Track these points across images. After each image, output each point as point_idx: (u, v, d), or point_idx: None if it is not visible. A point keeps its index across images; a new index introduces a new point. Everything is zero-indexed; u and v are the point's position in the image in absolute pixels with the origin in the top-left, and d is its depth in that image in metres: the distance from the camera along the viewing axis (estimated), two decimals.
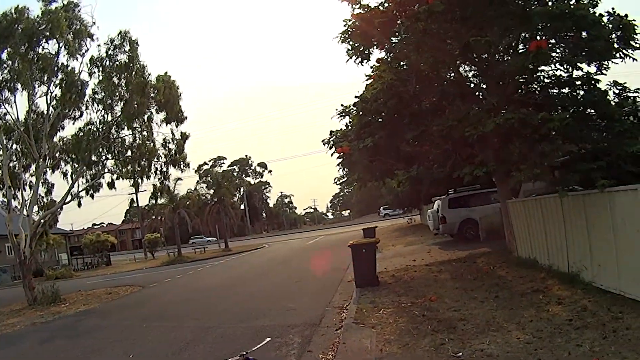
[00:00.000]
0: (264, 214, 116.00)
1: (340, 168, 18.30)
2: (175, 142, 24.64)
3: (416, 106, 14.56)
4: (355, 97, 15.95)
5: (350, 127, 16.94)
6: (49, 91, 22.00)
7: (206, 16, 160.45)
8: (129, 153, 23.51)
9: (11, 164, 23.46)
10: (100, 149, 22.72)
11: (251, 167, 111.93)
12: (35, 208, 23.83)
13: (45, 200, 24.76)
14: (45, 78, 21.58)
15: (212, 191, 54.41)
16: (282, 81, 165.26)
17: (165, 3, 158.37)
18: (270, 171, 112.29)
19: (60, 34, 20.54)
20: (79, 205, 24.97)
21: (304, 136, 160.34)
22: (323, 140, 18.24)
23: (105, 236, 51.58)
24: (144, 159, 23.51)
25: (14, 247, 21.99)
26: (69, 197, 23.46)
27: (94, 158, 22.60)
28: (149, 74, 22.74)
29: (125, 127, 22.85)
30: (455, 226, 22.45)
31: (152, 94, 22.63)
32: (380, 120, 14.94)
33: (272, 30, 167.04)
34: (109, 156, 23.56)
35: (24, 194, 23.36)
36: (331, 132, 18.56)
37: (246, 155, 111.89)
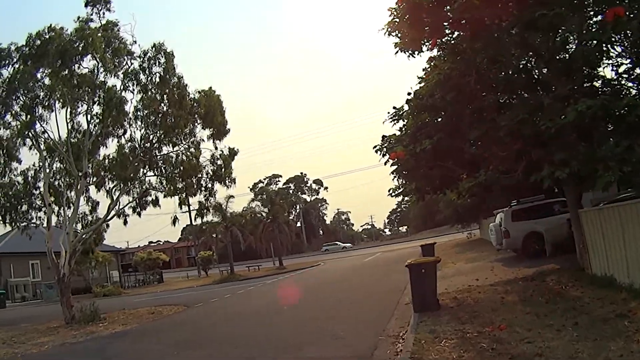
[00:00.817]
0: (321, 231, 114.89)
1: (395, 177, 15.83)
2: (220, 157, 23.79)
3: (478, 101, 12.84)
4: (408, 93, 14.38)
5: (404, 131, 15.21)
6: (89, 109, 21.87)
7: (253, 25, 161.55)
8: (172, 170, 22.83)
9: (56, 182, 23.48)
10: (141, 166, 22.10)
11: (307, 184, 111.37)
12: (79, 226, 23.69)
13: (90, 218, 24.69)
14: (83, 95, 21.35)
15: (266, 209, 53.74)
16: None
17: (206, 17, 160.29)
18: (326, 188, 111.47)
19: (95, 51, 20.33)
20: (125, 223, 24.85)
21: (359, 150, 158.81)
22: (375, 147, 15.63)
23: (157, 254, 51.72)
24: (187, 176, 22.68)
25: (53, 264, 21.82)
26: (112, 215, 23.15)
27: (133, 175, 22.03)
28: (187, 86, 22.22)
29: (167, 143, 22.13)
30: (519, 240, 20.50)
31: (190, 107, 21.86)
32: (438, 119, 13.49)
33: (321, 31, 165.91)
34: (150, 173, 22.99)
35: (67, 211, 23.31)
36: (383, 137, 15.94)
37: (301, 173, 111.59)
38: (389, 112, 15.23)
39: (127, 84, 21.14)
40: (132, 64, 21.44)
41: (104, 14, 21.33)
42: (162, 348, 12.94)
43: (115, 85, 21.41)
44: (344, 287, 22.77)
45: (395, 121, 15.13)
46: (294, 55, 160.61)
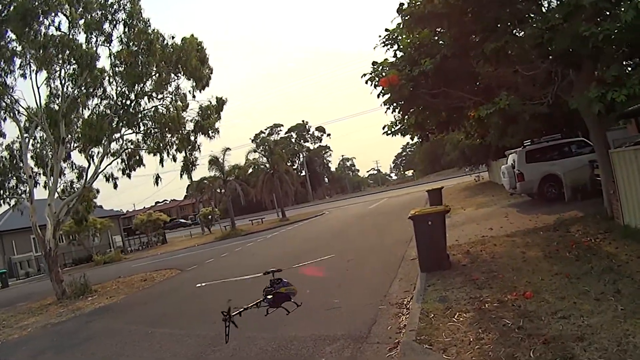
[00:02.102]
0: (326, 179, 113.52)
1: (388, 109, 12.28)
2: (203, 108, 21.94)
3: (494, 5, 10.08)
4: (400, 4, 11.51)
5: (399, 55, 12.30)
6: (61, 70, 19.84)
7: None
8: (151, 125, 21.02)
9: (44, 152, 21.92)
10: (121, 125, 20.30)
11: (309, 132, 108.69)
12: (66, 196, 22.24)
13: (78, 186, 23.06)
14: (51, 57, 19.19)
15: (266, 160, 51.95)
16: (334, 48, 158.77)
17: None
18: (329, 135, 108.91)
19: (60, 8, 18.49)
20: (115, 186, 23.29)
21: (362, 94, 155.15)
22: (364, 76, 12.20)
23: (157, 215, 50.51)
24: (168, 130, 20.86)
25: (39, 239, 20.58)
26: (93, 179, 21.66)
27: (108, 135, 20.22)
28: (156, 31, 19.91)
29: (143, 97, 20.23)
30: (534, 184, 18.72)
31: (160, 52, 19.64)
32: (441, 30, 10.97)
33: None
34: (129, 131, 21.15)
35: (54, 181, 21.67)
36: (374, 63, 12.34)
37: (303, 121, 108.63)
38: (379, 36, 12.52)
39: (90, 37, 19.00)
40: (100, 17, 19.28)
41: None
42: (139, 327, 11.56)
43: (88, 42, 19.32)
44: (346, 238, 21.39)
45: (389, 46, 12.37)
46: None
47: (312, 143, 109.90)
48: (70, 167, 22.93)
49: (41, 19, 18.50)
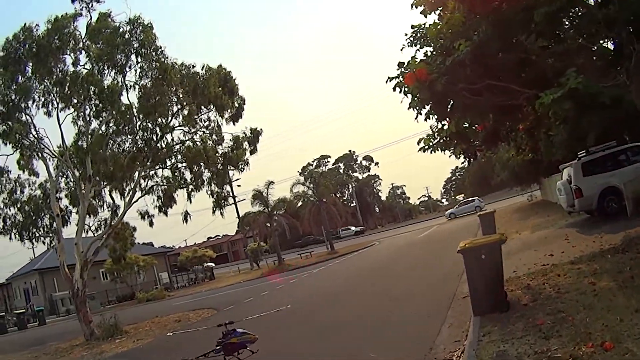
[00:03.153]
0: (377, 209, 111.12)
1: (418, 114, 9.61)
2: (233, 139, 20.92)
3: None
4: None
5: (430, 55, 9.75)
6: (82, 106, 19.33)
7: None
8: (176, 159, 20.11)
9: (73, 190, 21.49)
10: (142, 160, 19.29)
11: (357, 161, 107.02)
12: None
13: (112, 222, 22.36)
14: (71, 94, 18.85)
15: (311, 192, 50.55)
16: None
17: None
18: (377, 163, 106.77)
19: (74, 45, 18.37)
20: (151, 224, 22.89)
21: (405, 119, 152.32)
22: (389, 79, 9.44)
23: (203, 251, 49.70)
24: (194, 163, 19.78)
25: (66, 278, 20.09)
26: (120, 218, 21.26)
27: (129, 172, 19.39)
28: (168, 57, 18.91)
29: (167, 130, 19.28)
30: (593, 199, 16.43)
31: (176, 81, 18.73)
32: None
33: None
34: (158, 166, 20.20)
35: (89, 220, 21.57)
36: (400, 64, 9.71)
37: (350, 151, 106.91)
38: (405, 34, 10.23)
39: (102, 68, 18.23)
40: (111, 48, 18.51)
41: (92, 5, 18.79)
42: None
43: (100, 74, 18.59)
44: (393, 272, 19.55)
45: (417, 45, 10.03)
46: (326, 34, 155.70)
47: (360, 173, 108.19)
48: (101, 205, 22.29)
49: (59, 55, 18.25)
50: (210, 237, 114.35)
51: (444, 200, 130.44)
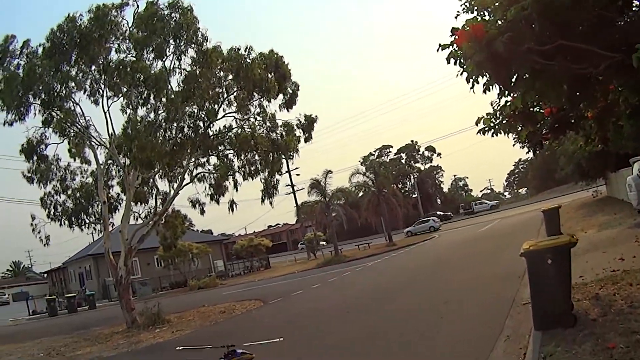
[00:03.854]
0: (439, 200, 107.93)
1: (474, 81, 7.21)
2: (284, 125, 19.96)
3: None
4: None
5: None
6: (129, 95, 19.01)
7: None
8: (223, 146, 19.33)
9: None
10: (188, 148, 18.56)
11: (419, 152, 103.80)
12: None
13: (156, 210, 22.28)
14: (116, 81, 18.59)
15: (370, 182, 48.97)
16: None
17: None
18: (439, 154, 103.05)
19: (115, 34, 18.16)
20: (202, 212, 22.85)
21: (469, 108, 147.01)
22: (440, 47, 7.48)
23: (259, 240, 49.27)
24: (243, 150, 18.93)
25: (111, 266, 19.98)
26: (165, 207, 21.16)
27: (176, 159, 18.76)
28: (209, 40, 18.08)
29: (211, 116, 18.44)
30: None
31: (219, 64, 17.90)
32: None
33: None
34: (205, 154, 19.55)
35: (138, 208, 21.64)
36: (453, 29, 7.34)
37: (412, 141, 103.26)
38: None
39: (139, 54, 17.55)
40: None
41: None
42: None
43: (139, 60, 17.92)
44: (446, 270, 18.13)
45: (475, 11, 7.50)
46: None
47: (422, 163, 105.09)
48: (149, 192, 21.86)
49: (102, 43, 17.95)
50: (270, 226, 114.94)
51: (506, 193, 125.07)
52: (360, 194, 49.95)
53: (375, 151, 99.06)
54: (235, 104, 19.38)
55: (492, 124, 8.14)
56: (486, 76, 6.87)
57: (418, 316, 10.79)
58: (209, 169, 20.53)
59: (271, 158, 19.33)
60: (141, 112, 19.24)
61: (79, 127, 19.82)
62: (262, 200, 20.29)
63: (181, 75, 17.69)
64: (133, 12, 18.22)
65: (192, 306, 22.93)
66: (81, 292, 38.77)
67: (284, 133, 19.60)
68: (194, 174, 20.66)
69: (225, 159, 19.73)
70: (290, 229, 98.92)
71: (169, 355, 12.75)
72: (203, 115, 18.26)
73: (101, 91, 19.10)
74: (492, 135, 8.15)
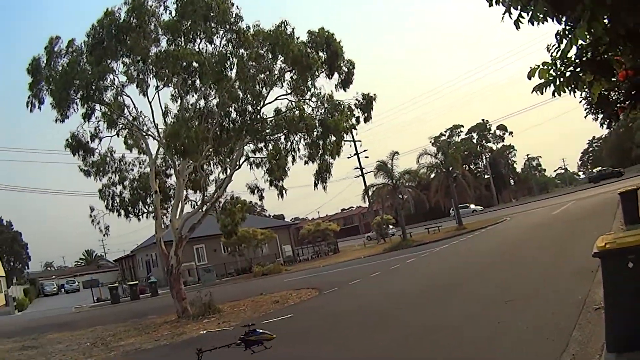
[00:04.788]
0: (512, 181, 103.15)
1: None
2: (327, 101, 18.47)
3: None
4: None
5: None
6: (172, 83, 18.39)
7: None
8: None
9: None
10: (234, 132, 17.56)
11: (490, 131, 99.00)
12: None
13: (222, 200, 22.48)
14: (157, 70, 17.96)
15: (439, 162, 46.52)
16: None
17: None
18: (511, 133, 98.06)
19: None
20: (261, 198, 22.22)
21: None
22: None
23: (326, 224, 48.29)
24: (291, 130, 17.75)
25: (162, 255, 19.50)
26: (218, 194, 20.56)
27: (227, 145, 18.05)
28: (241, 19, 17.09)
29: (255, 97, 17.30)
30: None
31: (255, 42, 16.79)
32: None
33: None
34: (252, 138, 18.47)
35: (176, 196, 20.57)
36: None
37: (483, 120, 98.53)
38: None
39: (174, 38, 16.85)
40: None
41: None
42: None
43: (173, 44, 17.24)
44: (513, 260, 16.11)
45: None
46: None
47: (494, 143, 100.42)
48: (205, 180, 21.28)
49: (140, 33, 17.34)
50: (344, 209, 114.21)
51: (580, 172, 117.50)
52: (432, 175, 47.60)
53: (446, 131, 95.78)
54: (286, 85, 18.37)
55: (551, 77, 5.97)
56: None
57: (471, 319, 9.15)
58: (264, 155, 19.62)
59: (320, 140, 18.06)
60: (192, 100, 18.69)
61: (128, 119, 19.38)
62: (315, 185, 19.17)
63: (215, 56, 16.64)
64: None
65: (251, 294, 22.26)
66: (144, 280, 39.33)
67: (332, 111, 18.19)
68: (250, 159, 19.97)
69: (275, 143, 18.68)
70: (363, 212, 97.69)
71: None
72: (250, 99, 17.27)
73: (146, 81, 18.50)
74: (554, 95, 5.79)
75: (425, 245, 33.05)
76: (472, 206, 69.13)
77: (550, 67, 5.44)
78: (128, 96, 19.32)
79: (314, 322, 13.17)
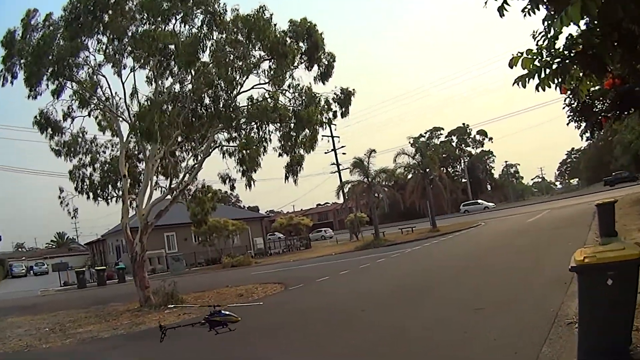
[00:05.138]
0: (489, 186, 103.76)
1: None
2: (304, 93, 17.98)
3: None
4: None
5: None
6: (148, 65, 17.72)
7: None
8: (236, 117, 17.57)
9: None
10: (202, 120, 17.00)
11: (470, 135, 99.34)
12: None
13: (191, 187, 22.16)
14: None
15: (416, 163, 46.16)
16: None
17: None
18: (490, 139, 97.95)
19: None
20: (232, 188, 22.33)
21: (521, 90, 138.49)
22: None
23: (299, 219, 47.77)
24: (259, 121, 17.21)
25: (128, 242, 18.85)
26: (186, 182, 20.03)
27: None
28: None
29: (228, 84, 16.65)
30: None
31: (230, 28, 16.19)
32: None
33: None
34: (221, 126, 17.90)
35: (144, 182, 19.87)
36: None
37: (463, 124, 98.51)
38: None
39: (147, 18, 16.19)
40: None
41: None
42: None
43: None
44: (488, 266, 15.69)
45: None
46: None
47: (473, 147, 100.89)
48: (175, 167, 20.71)
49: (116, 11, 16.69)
50: (319, 204, 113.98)
51: (557, 182, 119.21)
52: (410, 175, 47.30)
53: (426, 133, 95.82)
54: (263, 75, 17.83)
55: (536, 68, 5.01)
56: None
57: (439, 327, 8.69)
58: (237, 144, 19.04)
59: (294, 132, 17.61)
60: (167, 83, 18.04)
61: (100, 99, 18.69)
62: (286, 178, 18.72)
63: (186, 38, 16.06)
64: None
65: (217, 285, 21.68)
66: (113, 265, 38.53)
67: (307, 104, 17.69)
68: (224, 148, 19.51)
69: (247, 133, 18.12)
70: (337, 209, 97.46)
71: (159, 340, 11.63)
72: (224, 86, 16.67)
73: (121, 61, 17.80)
74: (537, 89, 5.06)
75: (397, 246, 32.66)
76: (483, 202, 68.25)
77: (535, 57, 4.93)
78: (103, 76, 18.85)
79: (276, 318, 12.66)
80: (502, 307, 9.26)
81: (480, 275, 13.97)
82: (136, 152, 21.34)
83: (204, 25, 15.64)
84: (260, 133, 17.69)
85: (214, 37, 15.94)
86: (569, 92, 7.82)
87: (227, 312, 7.53)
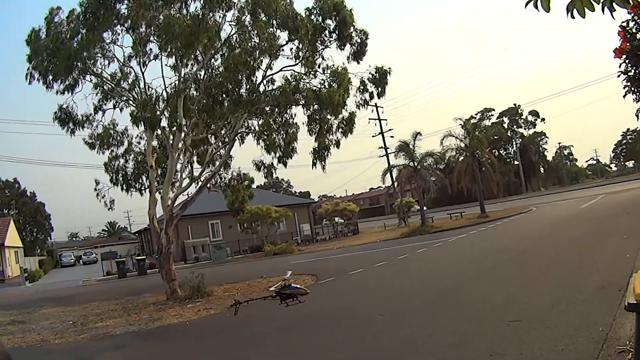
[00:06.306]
0: (542, 169, 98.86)
1: None
2: (333, 73, 16.31)
3: None
4: None
5: None
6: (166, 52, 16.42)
7: None
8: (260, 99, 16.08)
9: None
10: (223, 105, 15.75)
11: (521, 116, 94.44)
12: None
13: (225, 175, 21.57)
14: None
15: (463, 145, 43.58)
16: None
17: None
18: (543, 119, 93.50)
19: None
20: (268, 175, 20.47)
21: (575, 64, 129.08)
22: None
23: (344, 205, 46.12)
24: (283, 104, 15.79)
25: (155, 233, 17.97)
26: (213, 170, 19.25)
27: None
28: None
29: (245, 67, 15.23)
30: None
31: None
32: None
33: None
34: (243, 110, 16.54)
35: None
36: None
37: (515, 104, 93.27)
38: None
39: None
40: None
41: None
42: None
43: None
44: (529, 262, 13.70)
45: None
46: None
47: (525, 129, 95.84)
48: (203, 156, 19.72)
49: None
50: (372, 188, 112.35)
51: (612, 165, 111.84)
52: (461, 158, 44.82)
53: (476, 114, 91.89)
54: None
55: None
56: None
57: (456, 349, 6.78)
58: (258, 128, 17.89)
59: (317, 115, 16.16)
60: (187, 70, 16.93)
61: (121, 90, 17.87)
62: (313, 164, 17.33)
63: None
64: None
65: (252, 276, 20.57)
66: (156, 253, 38.18)
67: (330, 83, 16.15)
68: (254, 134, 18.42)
69: (268, 117, 16.84)
70: (389, 193, 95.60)
71: (173, 339, 10.74)
72: (243, 69, 15.32)
73: (141, 51, 16.82)
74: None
75: (443, 233, 30.95)
76: None
77: None
78: (130, 67, 17.89)
79: (284, 321, 10.87)
80: (540, 321, 7.36)
81: (520, 273, 12.07)
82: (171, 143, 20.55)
83: (206, 5, 14.24)
84: (285, 116, 16.29)
85: (216, 17, 14.50)
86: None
87: (297, 285, 8.08)
